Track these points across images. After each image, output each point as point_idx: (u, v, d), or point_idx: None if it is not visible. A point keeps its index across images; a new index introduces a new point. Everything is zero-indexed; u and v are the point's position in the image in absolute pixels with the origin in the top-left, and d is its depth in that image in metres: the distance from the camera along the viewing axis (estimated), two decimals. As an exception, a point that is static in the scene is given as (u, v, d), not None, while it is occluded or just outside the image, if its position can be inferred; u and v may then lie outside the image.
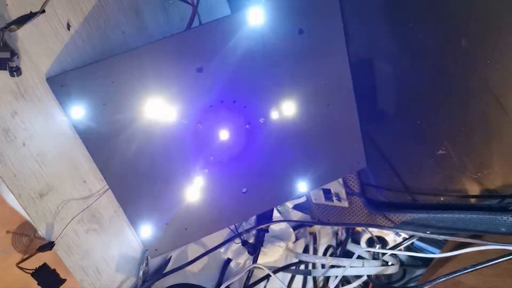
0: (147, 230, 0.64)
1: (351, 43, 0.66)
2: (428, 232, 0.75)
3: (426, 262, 0.98)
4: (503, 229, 0.67)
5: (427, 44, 0.65)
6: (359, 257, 0.85)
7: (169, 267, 0.77)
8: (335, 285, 0.81)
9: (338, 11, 0.62)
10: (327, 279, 0.98)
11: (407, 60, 0.69)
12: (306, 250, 1.03)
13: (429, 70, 0.67)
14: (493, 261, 0.63)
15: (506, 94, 0.60)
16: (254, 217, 0.90)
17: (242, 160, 0.66)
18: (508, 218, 0.65)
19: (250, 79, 0.61)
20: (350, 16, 0.67)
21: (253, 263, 0.87)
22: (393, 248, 0.93)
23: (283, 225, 0.96)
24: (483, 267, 0.63)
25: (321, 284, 1.01)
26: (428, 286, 0.72)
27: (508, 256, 0.62)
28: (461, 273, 0.65)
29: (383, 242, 0.98)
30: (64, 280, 0.66)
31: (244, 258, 0.90)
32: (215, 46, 0.57)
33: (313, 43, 0.62)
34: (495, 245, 0.63)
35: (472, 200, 0.72)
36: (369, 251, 0.88)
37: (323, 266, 0.95)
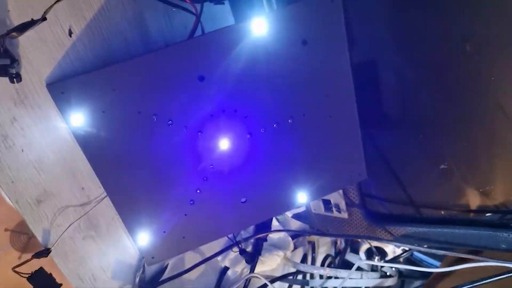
0: (144, 238, 0.63)
1: (354, 53, 0.66)
2: (425, 247, 0.74)
3: (425, 274, 0.98)
4: (503, 246, 0.66)
5: (430, 57, 0.65)
6: (358, 268, 0.85)
7: (166, 274, 0.76)
8: (333, 296, 0.80)
9: (341, 22, 0.62)
10: (324, 289, 0.97)
11: (410, 72, 0.69)
12: (304, 259, 1.02)
13: (432, 83, 0.67)
14: (492, 278, 0.62)
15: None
16: (252, 226, 0.90)
17: (242, 169, 0.65)
18: (509, 235, 0.65)
19: (252, 89, 0.61)
20: (354, 26, 0.67)
21: (250, 272, 0.87)
22: (392, 260, 0.93)
23: (282, 233, 0.95)
24: (481, 284, 0.63)
25: (318, 294, 1.01)
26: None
27: (508, 273, 0.61)
28: (459, 288, 0.64)
29: (382, 253, 0.97)
30: (60, 285, 0.66)
31: (241, 267, 0.89)
32: (217, 56, 0.57)
33: (316, 54, 0.62)
34: (494, 262, 0.62)
35: (473, 216, 0.72)
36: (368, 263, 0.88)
37: (321, 276, 0.94)
